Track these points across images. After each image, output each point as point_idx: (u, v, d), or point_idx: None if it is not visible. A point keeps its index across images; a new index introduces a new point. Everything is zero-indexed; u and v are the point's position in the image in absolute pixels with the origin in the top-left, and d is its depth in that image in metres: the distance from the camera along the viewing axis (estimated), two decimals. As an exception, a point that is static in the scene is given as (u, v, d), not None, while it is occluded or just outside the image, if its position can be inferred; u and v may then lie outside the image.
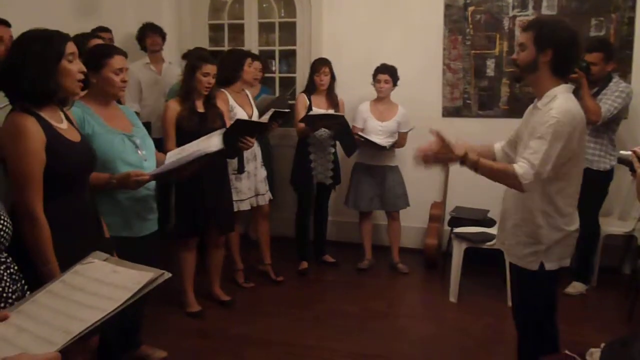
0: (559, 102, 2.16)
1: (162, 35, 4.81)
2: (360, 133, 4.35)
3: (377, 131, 4.38)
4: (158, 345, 3.18)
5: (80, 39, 3.39)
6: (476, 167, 2.21)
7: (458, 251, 3.95)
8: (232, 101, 3.99)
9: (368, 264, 4.64)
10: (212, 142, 2.85)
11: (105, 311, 1.09)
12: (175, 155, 2.84)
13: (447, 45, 4.81)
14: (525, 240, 2.30)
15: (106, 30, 4.09)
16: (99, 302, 1.12)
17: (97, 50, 2.63)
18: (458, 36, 4.77)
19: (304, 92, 4.49)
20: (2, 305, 1.54)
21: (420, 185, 4.71)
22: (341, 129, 4.34)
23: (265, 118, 3.55)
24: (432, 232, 4.59)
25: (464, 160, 2.21)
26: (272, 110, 3.55)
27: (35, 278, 1.86)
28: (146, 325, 3.25)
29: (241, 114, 3.95)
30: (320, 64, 4.40)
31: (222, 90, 3.94)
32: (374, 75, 4.43)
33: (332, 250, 4.83)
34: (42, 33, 2.03)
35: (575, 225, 2.31)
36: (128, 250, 2.65)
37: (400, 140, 4.44)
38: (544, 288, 2.34)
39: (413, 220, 4.85)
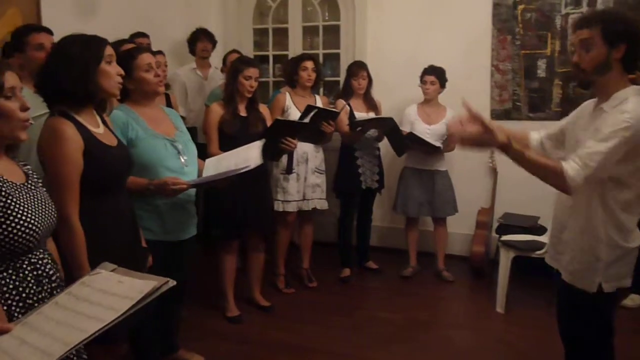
0: (633, 105, 1.91)
1: (213, 42, 4.86)
2: (414, 132, 4.24)
3: (425, 135, 4.27)
4: (195, 350, 3.17)
5: (116, 45, 3.45)
6: (520, 158, 1.94)
7: (506, 260, 3.79)
8: (289, 101, 4.02)
9: (412, 271, 4.53)
10: (251, 156, 2.82)
11: (104, 321, 1.08)
12: (214, 164, 2.84)
13: (495, 45, 4.65)
14: (582, 256, 2.07)
15: (144, 35, 4.15)
16: (100, 312, 1.12)
17: (122, 56, 2.64)
18: (507, 36, 4.61)
19: (341, 97, 4.43)
20: (21, 304, 1.55)
21: (467, 191, 4.57)
22: (391, 130, 4.25)
23: (306, 119, 3.52)
24: (479, 239, 4.43)
25: (506, 148, 1.93)
26: (314, 110, 3.52)
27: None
28: (184, 329, 3.26)
29: (295, 115, 3.95)
30: (358, 68, 4.34)
31: (284, 91, 4.04)
32: (421, 77, 4.35)
33: (375, 256, 4.74)
34: (80, 37, 2.07)
35: (637, 242, 2.06)
36: (167, 255, 2.68)
37: (450, 143, 4.30)
38: (600, 311, 2.10)
39: (459, 227, 4.70)
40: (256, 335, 3.50)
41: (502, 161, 4.59)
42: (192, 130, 4.30)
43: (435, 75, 4.28)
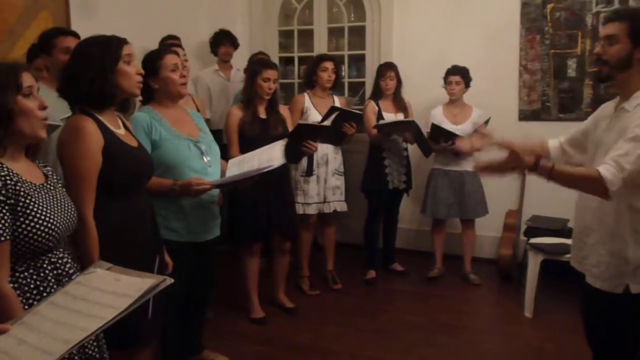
0: None
1: (235, 45, 4.87)
2: (435, 122, 4.20)
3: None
4: (220, 351, 3.18)
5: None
6: (550, 174, 1.92)
7: (534, 263, 3.72)
8: (308, 103, 4.02)
9: (438, 274, 4.47)
10: (274, 156, 2.81)
11: (105, 319, 1.09)
12: (237, 165, 2.84)
13: (524, 45, 4.58)
14: (609, 260, 2.02)
15: (174, 38, 4.19)
16: (99, 310, 1.12)
17: (149, 56, 2.68)
18: (536, 35, 4.53)
19: (371, 98, 4.41)
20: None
21: (495, 193, 4.50)
22: (417, 132, 4.21)
23: (327, 122, 3.51)
24: (507, 242, 4.36)
25: (535, 169, 1.93)
26: (335, 113, 3.50)
27: None
28: (210, 330, 3.27)
29: (314, 116, 3.94)
30: (386, 69, 4.32)
31: (303, 93, 4.07)
32: (445, 77, 4.30)
33: (400, 258, 4.70)
34: (99, 38, 2.08)
35: None
36: (192, 256, 2.70)
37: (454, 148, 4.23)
38: (629, 314, 2.04)
39: (486, 229, 4.64)
40: (281, 337, 3.50)
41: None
42: (217, 133, 4.32)
43: (460, 75, 4.24)
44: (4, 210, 1.49)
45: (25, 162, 1.63)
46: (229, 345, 3.32)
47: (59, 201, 1.67)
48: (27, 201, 1.54)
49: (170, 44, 3.83)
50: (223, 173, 2.80)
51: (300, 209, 3.98)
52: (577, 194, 2.12)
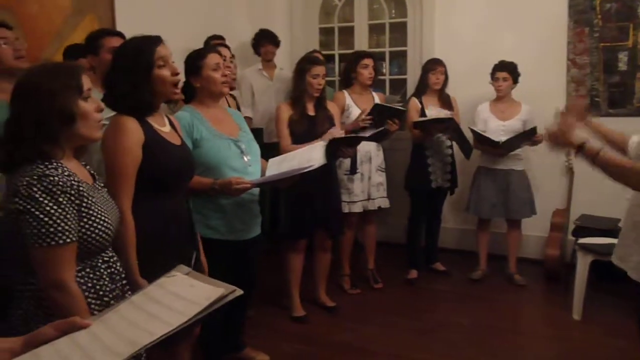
0: None
1: (277, 43, 4.87)
2: (473, 128, 4.11)
3: (500, 132, 4.12)
4: (261, 348, 3.19)
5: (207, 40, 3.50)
6: (595, 159, 1.92)
7: (583, 264, 3.60)
8: (349, 100, 4.00)
9: (482, 274, 4.37)
10: (315, 156, 2.80)
11: (172, 325, 1.07)
12: (277, 164, 2.84)
13: (571, 38, 4.43)
14: None
15: (219, 38, 4.22)
16: (169, 315, 1.11)
17: (192, 56, 2.70)
18: (584, 28, 4.37)
19: (414, 95, 4.34)
20: (98, 302, 1.60)
21: (542, 191, 4.38)
22: (455, 130, 4.13)
23: (366, 133, 3.51)
24: (554, 242, 4.22)
25: (580, 150, 1.95)
26: (380, 108, 3.48)
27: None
28: (251, 328, 3.29)
29: (355, 113, 3.94)
30: (436, 63, 4.25)
31: (343, 90, 4.06)
32: (492, 74, 4.19)
33: (443, 257, 4.62)
34: (131, 43, 2.08)
35: None
36: (233, 254, 2.71)
37: (536, 138, 4.07)
38: None
39: (533, 229, 4.50)
40: (321, 336, 3.48)
41: (579, 160, 4.38)
42: (258, 131, 4.34)
43: (507, 71, 4.13)
44: (72, 212, 1.51)
45: (76, 163, 1.66)
46: (270, 343, 3.33)
47: (107, 201, 1.70)
48: (88, 201, 1.56)
49: (216, 44, 3.86)
50: (263, 172, 2.80)
51: (345, 208, 3.95)
52: (633, 193, 2.04)
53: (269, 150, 3.58)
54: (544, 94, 4.43)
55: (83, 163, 1.77)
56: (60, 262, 1.49)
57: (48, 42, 3.60)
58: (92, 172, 1.74)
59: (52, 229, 1.46)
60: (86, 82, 1.58)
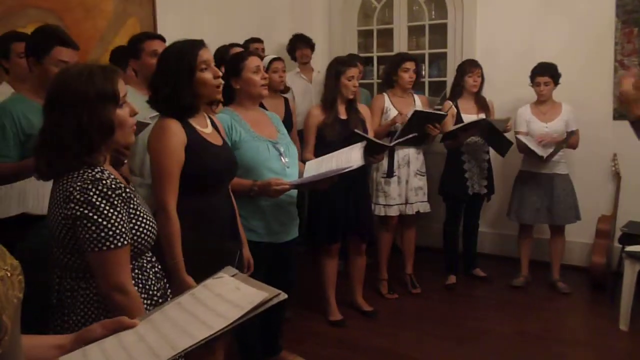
0: None
1: (312, 46, 4.87)
2: (520, 137, 4.00)
3: (543, 134, 4.01)
4: (298, 352, 3.17)
5: (224, 49, 3.57)
6: None
7: (631, 272, 3.46)
8: (387, 103, 3.97)
9: (524, 281, 4.26)
10: (353, 157, 2.77)
11: (213, 329, 1.05)
12: (315, 166, 2.83)
13: (619, 39, 4.28)
14: None
15: (258, 40, 4.24)
16: (212, 318, 1.09)
17: (233, 58, 2.72)
18: (633, 28, 4.22)
19: (449, 98, 4.27)
20: (148, 301, 1.62)
21: (587, 197, 4.24)
22: (488, 131, 4.03)
23: (397, 140, 3.49)
24: (600, 249, 4.09)
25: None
26: (419, 113, 3.43)
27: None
28: (288, 331, 3.28)
29: (394, 116, 3.88)
30: (473, 66, 4.16)
31: (382, 93, 4.02)
32: (532, 78, 4.08)
33: (483, 263, 4.52)
34: (175, 47, 2.12)
35: None
36: (272, 256, 2.71)
37: (572, 140, 4.00)
38: None
39: (577, 235, 4.37)
40: (358, 340, 3.45)
41: (627, 165, 4.24)
42: (300, 134, 4.34)
43: (548, 74, 4.00)
44: (126, 214, 1.52)
45: (110, 167, 1.66)
46: (307, 346, 3.31)
47: (144, 202, 1.71)
48: (135, 203, 1.58)
49: (255, 47, 3.88)
50: (301, 174, 2.80)
51: (381, 211, 3.92)
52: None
53: (302, 152, 3.58)
54: (590, 97, 4.31)
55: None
56: (119, 265, 1.50)
57: (93, 46, 3.69)
58: (124, 175, 1.77)
59: (110, 232, 1.47)
60: (122, 87, 1.57)
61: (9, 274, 0.82)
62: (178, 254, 2.02)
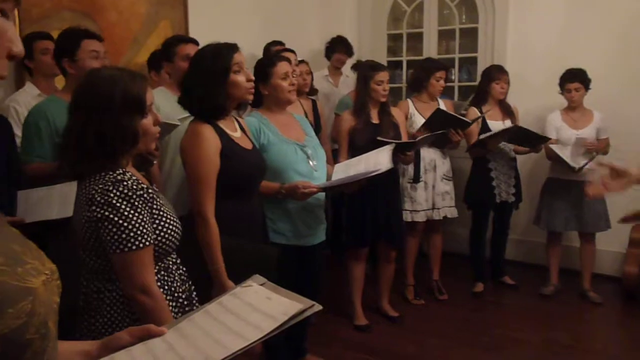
0: None
1: (350, 54, 4.83)
2: (552, 146, 3.93)
3: (573, 140, 3.93)
4: (323, 356, 3.17)
5: (268, 46, 3.56)
6: None
7: (665, 283, 3.38)
8: (412, 109, 3.94)
9: (553, 290, 4.17)
10: (381, 160, 2.76)
11: (248, 340, 1.03)
12: (343, 169, 2.82)
13: (656, 45, 4.18)
14: None
15: (280, 43, 4.25)
16: (245, 329, 1.07)
17: (261, 63, 2.73)
18: (671, 34, 4.12)
19: (473, 104, 4.21)
20: (174, 303, 1.63)
21: (618, 205, 4.10)
22: (521, 135, 3.96)
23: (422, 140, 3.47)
24: (632, 258, 3.99)
25: None
26: (444, 116, 3.40)
27: (204, 279, 1.97)
28: (313, 334, 3.26)
29: (419, 121, 3.86)
30: (500, 72, 4.09)
31: (407, 99, 3.98)
32: (561, 85, 4.00)
33: (511, 271, 4.45)
34: (210, 49, 2.15)
35: None
36: (299, 260, 2.71)
37: (602, 148, 3.93)
38: None
39: (609, 244, 4.27)
40: (383, 346, 3.42)
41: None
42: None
43: (578, 80, 3.92)
44: (147, 215, 1.53)
45: (134, 169, 1.67)
46: (332, 351, 3.31)
47: (168, 204, 1.72)
48: (158, 204, 1.59)
49: (278, 50, 3.89)
50: (329, 177, 2.79)
51: (407, 216, 3.88)
52: None
53: (335, 155, 3.58)
54: (627, 106, 4.20)
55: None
56: (142, 266, 1.50)
57: (126, 48, 3.74)
58: (150, 176, 1.78)
59: (132, 234, 1.48)
60: (149, 96, 1.57)
61: (49, 278, 0.82)
62: (218, 260, 2.05)
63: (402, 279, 4.10)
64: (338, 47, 4.79)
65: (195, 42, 2.99)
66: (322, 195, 2.74)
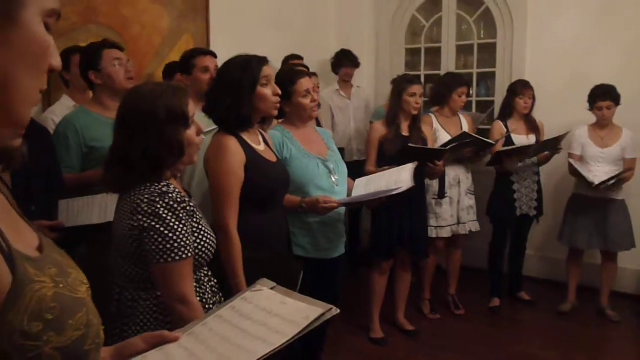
0: None
1: (356, 65, 4.88)
2: (572, 161, 3.91)
3: (599, 159, 3.90)
4: (339, 369, 3.17)
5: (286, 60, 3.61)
6: None
7: (686, 303, 3.34)
8: (436, 124, 3.96)
9: (571, 307, 4.14)
10: (403, 178, 2.77)
11: (273, 345, 1.02)
12: (364, 184, 2.83)
13: (677, 61, 4.15)
14: None
15: (298, 57, 4.29)
16: (267, 334, 1.06)
17: (282, 80, 2.72)
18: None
19: (499, 118, 4.22)
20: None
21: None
22: (547, 147, 3.97)
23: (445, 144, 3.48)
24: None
25: None
26: (468, 139, 3.42)
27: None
28: (329, 346, 3.26)
29: (443, 137, 3.87)
30: (525, 87, 4.09)
31: (429, 114, 4.00)
32: (592, 102, 3.90)
33: (529, 287, 4.43)
34: (238, 61, 2.16)
35: None
36: (318, 273, 2.72)
37: (627, 168, 3.85)
38: None
39: (629, 262, 4.23)
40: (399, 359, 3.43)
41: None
42: (340, 151, 4.37)
43: (610, 98, 3.83)
44: (190, 227, 1.56)
45: (176, 181, 1.70)
46: (348, 363, 3.31)
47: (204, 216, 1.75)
48: (197, 217, 1.62)
49: (295, 64, 3.93)
50: (350, 192, 2.81)
51: (432, 233, 3.89)
52: None
53: (350, 169, 3.59)
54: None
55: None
56: (182, 277, 1.53)
57: (149, 61, 3.81)
58: (185, 189, 1.81)
59: (175, 244, 1.51)
60: (191, 108, 1.61)
61: (88, 288, 0.85)
62: (239, 274, 2.05)
63: (418, 293, 4.10)
64: (344, 61, 4.85)
65: (214, 55, 3.04)
66: (342, 209, 2.75)
